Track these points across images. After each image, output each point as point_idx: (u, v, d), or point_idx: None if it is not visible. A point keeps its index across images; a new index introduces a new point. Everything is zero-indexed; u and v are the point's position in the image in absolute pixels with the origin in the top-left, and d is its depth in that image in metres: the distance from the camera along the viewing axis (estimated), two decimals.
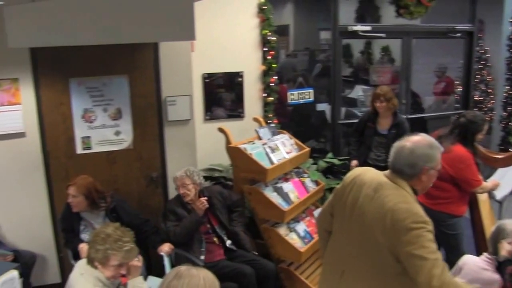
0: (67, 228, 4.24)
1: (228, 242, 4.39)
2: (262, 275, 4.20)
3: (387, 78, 8.04)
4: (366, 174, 2.57)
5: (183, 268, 2.17)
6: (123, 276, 3.10)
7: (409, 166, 2.42)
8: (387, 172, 2.53)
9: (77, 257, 4.23)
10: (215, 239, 4.38)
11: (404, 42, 6.72)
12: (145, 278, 4.02)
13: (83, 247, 4.01)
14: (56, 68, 4.48)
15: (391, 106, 5.16)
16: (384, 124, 5.26)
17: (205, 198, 4.27)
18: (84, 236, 4.16)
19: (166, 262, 4.14)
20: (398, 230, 2.31)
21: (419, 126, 7.45)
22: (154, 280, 3.61)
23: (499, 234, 3.29)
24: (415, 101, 7.78)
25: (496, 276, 3.18)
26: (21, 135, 4.46)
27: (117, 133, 4.73)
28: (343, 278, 2.56)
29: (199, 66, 5.17)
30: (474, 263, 3.31)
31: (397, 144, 2.50)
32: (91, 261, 2.85)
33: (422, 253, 2.27)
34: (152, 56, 4.69)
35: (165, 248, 4.20)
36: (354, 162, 5.36)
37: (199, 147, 5.06)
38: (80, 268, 2.92)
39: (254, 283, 4.10)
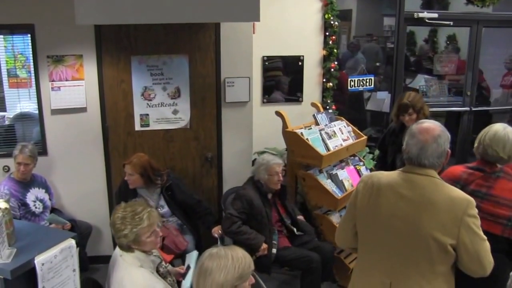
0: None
1: (295, 230, 4.36)
2: (323, 258, 4.16)
3: (452, 68, 7.76)
4: (381, 179, 2.48)
5: (215, 249, 2.24)
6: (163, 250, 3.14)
7: (438, 157, 2.36)
8: (404, 169, 2.45)
9: None
10: (281, 228, 4.36)
11: (473, 31, 6.46)
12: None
13: None
14: (119, 46, 4.56)
15: (422, 117, 4.11)
16: None
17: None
18: None
19: (219, 243, 4.16)
20: (462, 219, 2.26)
21: (484, 120, 7.18)
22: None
23: None
24: (481, 94, 7.49)
25: None
26: (83, 110, 4.58)
27: (175, 112, 4.78)
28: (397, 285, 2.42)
29: (259, 48, 5.14)
30: None
31: (415, 140, 2.37)
32: (126, 248, 2.88)
33: (482, 235, 2.29)
34: (213, 37, 4.70)
35: (219, 231, 4.23)
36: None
37: (255, 129, 5.05)
38: (119, 250, 2.96)
39: (320, 269, 4.08)
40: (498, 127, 3.06)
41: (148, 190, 4.26)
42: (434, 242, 2.28)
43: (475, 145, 3.14)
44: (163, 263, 3.10)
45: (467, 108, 6.52)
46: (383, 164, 4.60)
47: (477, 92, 6.86)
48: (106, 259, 4.83)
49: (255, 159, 5.08)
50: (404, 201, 2.36)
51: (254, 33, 4.88)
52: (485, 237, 2.30)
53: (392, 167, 4.16)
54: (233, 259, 2.19)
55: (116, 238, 2.89)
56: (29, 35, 4.38)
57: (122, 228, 2.83)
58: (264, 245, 4.01)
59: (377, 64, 7.55)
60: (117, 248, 2.98)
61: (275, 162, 4.19)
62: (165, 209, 4.28)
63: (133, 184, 4.18)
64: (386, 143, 4.59)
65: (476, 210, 2.29)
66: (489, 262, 2.31)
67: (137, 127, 4.73)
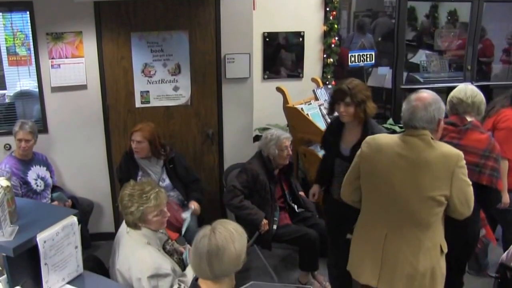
0: (123, 178, 4.28)
1: (296, 207, 4.39)
2: (321, 235, 4.17)
3: (453, 44, 7.72)
4: (381, 140, 2.77)
5: (205, 229, 2.21)
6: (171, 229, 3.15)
7: (428, 122, 2.62)
8: (402, 133, 2.71)
9: None
10: (284, 205, 4.38)
11: (474, 6, 6.40)
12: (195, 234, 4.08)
13: None
14: (119, 23, 4.53)
15: (360, 113, 3.33)
16: (350, 140, 3.42)
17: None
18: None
19: (187, 216, 4.05)
20: (454, 171, 2.57)
21: (484, 95, 7.14)
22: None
23: None
24: (481, 68, 7.46)
25: None
26: (83, 87, 4.57)
27: (176, 88, 4.77)
28: (387, 240, 2.71)
29: (260, 24, 5.11)
30: None
31: (408, 106, 2.66)
32: (133, 226, 2.89)
33: (468, 181, 2.63)
34: (213, 13, 4.66)
35: (192, 206, 4.17)
36: (313, 189, 3.79)
37: (256, 106, 5.04)
38: (126, 227, 2.97)
39: (318, 245, 4.11)
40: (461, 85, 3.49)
41: (150, 163, 4.25)
42: (429, 198, 2.58)
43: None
44: (170, 240, 3.12)
45: (467, 83, 6.48)
46: (324, 167, 3.74)
47: (477, 67, 6.83)
48: (108, 236, 4.91)
49: (256, 135, 5.09)
50: (403, 160, 2.63)
51: (254, 9, 4.84)
52: (470, 182, 2.63)
53: (331, 173, 3.57)
54: (232, 230, 2.18)
55: (124, 215, 2.91)
56: (27, 12, 4.34)
57: (129, 205, 2.84)
58: (265, 221, 4.03)
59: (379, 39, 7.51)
60: (123, 225, 3.00)
61: (285, 136, 4.17)
62: (167, 182, 4.28)
63: (141, 152, 4.14)
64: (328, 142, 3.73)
65: (464, 161, 2.60)
66: (473, 203, 2.65)
67: (138, 104, 4.72)
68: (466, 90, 3.37)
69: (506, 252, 3.35)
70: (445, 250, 2.73)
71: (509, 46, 8.14)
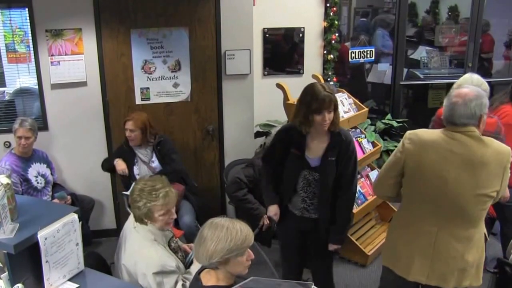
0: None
1: None
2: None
3: (454, 40, 7.70)
4: (424, 136, 2.71)
5: (217, 219, 2.30)
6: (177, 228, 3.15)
7: (468, 118, 2.59)
8: (442, 130, 2.69)
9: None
10: None
11: (475, 1, 6.39)
12: (195, 230, 4.09)
13: (118, 161, 4.33)
14: (118, 19, 4.52)
15: (337, 119, 3.12)
16: (317, 149, 3.18)
17: None
18: (135, 169, 4.37)
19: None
20: (506, 167, 2.62)
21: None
22: None
23: None
24: (482, 65, 7.45)
25: None
26: (83, 84, 4.57)
27: (176, 85, 4.76)
28: (438, 236, 2.70)
29: (260, 20, 5.10)
30: None
31: (449, 102, 2.64)
32: (139, 220, 2.89)
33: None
34: (213, 9, 4.65)
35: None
36: (273, 210, 3.39)
37: (257, 102, 5.04)
38: (133, 221, 2.97)
39: None
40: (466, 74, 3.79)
41: (141, 148, 4.38)
42: (484, 195, 2.61)
43: None
44: (175, 238, 3.12)
45: (472, 73, 6.45)
46: (274, 183, 3.39)
47: (479, 64, 6.82)
48: (109, 233, 4.92)
49: (258, 131, 5.09)
50: (456, 157, 2.60)
51: (254, 5, 4.83)
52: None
53: (292, 189, 3.29)
54: (227, 232, 2.23)
55: (131, 208, 2.92)
56: (26, 9, 4.33)
57: (138, 199, 2.84)
58: (265, 217, 4.02)
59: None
60: (130, 220, 3.00)
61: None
62: (156, 163, 4.37)
63: (134, 140, 4.28)
64: (281, 151, 3.30)
65: None
66: None
67: (138, 101, 4.72)
68: (473, 78, 3.59)
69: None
70: (488, 238, 2.85)
71: (510, 42, 8.14)
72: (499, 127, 3.45)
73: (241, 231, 2.27)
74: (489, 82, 7.25)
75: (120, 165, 4.32)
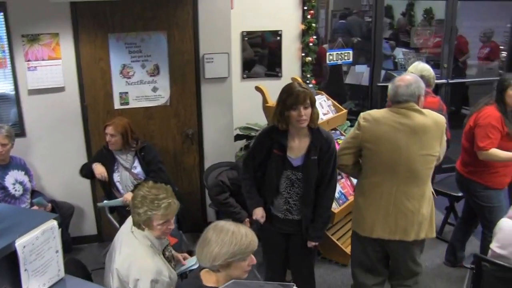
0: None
1: None
2: None
3: (429, 41, 7.80)
4: (376, 114, 3.23)
5: (222, 222, 2.35)
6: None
7: (410, 96, 3.15)
8: (388, 109, 3.23)
9: (113, 210, 4.36)
10: None
11: (449, 4, 6.49)
12: (177, 235, 4.08)
13: (97, 165, 4.29)
14: (96, 24, 4.49)
15: (315, 116, 3.21)
16: (299, 149, 3.25)
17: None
18: (116, 176, 4.32)
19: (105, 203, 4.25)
20: (443, 131, 3.20)
21: (461, 91, 7.26)
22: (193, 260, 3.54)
23: None
24: (457, 66, 7.56)
25: None
26: (60, 89, 4.53)
27: (155, 89, 4.75)
28: (396, 196, 3.17)
29: (238, 24, 5.11)
30: (509, 226, 3.21)
31: (392, 85, 3.21)
32: (137, 225, 2.87)
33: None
34: (191, 13, 4.65)
35: (128, 197, 4.07)
36: (259, 212, 3.40)
37: (236, 105, 5.05)
38: (130, 226, 2.95)
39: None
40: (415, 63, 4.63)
41: (122, 154, 4.32)
42: (429, 155, 3.14)
43: None
44: (169, 246, 3.11)
45: (444, 81, 6.56)
46: (255, 187, 3.44)
47: (454, 64, 6.92)
48: (89, 239, 4.89)
49: (238, 135, 5.10)
50: (404, 127, 3.11)
51: (232, 8, 4.84)
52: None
53: (274, 191, 3.35)
54: (232, 236, 2.27)
55: (132, 213, 2.90)
56: (2, 14, 4.28)
57: (139, 206, 2.82)
58: (247, 220, 4.03)
59: (356, 39, 7.58)
60: (128, 224, 2.98)
61: None
62: (138, 169, 4.33)
63: (114, 145, 4.24)
64: (263, 153, 3.34)
65: None
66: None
67: (117, 106, 4.70)
68: (418, 66, 4.45)
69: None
70: (435, 195, 3.36)
71: (483, 44, 8.30)
72: (441, 105, 4.32)
73: (246, 236, 2.33)
74: (463, 83, 7.44)
75: (98, 169, 4.28)
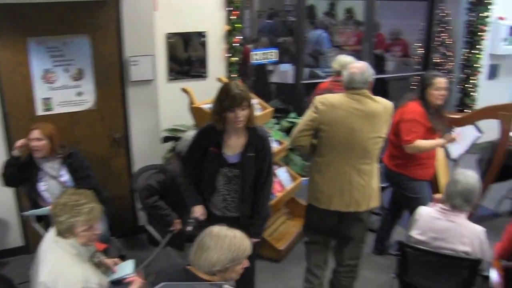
0: (16, 182, 4.21)
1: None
2: None
3: (350, 40, 8.08)
4: (333, 99, 3.53)
5: (217, 228, 2.43)
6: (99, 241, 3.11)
7: (363, 83, 3.48)
8: (344, 94, 3.53)
9: (40, 219, 4.24)
10: None
11: (368, 3, 6.74)
12: (108, 240, 4.04)
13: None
14: (14, 27, 4.35)
15: (252, 116, 3.30)
16: (236, 146, 3.34)
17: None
18: (41, 185, 4.13)
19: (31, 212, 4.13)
20: (390, 115, 3.59)
21: (381, 87, 7.56)
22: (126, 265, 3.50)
23: None
24: (378, 63, 7.88)
25: (449, 224, 3.32)
26: None
27: (79, 93, 4.67)
28: (350, 173, 3.51)
29: (163, 25, 5.09)
30: (427, 213, 3.46)
31: (348, 72, 3.52)
32: (60, 234, 2.79)
33: None
34: (114, 15, 4.60)
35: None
36: (199, 210, 3.46)
37: (163, 107, 5.05)
38: (54, 235, 2.86)
39: None
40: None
41: (48, 161, 4.12)
42: (378, 137, 3.50)
43: None
44: (97, 252, 3.06)
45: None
46: (194, 186, 3.50)
47: (375, 61, 7.20)
48: (16, 252, 4.73)
49: (166, 137, 5.09)
50: (358, 112, 3.44)
51: (156, 10, 4.83)
52: None
53: (211, 189, 3.42)
54: (230, 242, 2.35)
55: (54, 222, 2.82)
56: None
57: (60, 214, 2.75)
58: (177, 221, 4.05)
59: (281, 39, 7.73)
60: (50, 234, 2.88)
61: None
62: (66, 177, 4.17)
63: (42, 150, 4.01)
64: (200, 152, 3.41)
65: None
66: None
67: (40, 112, 4.57)
68: (347, 57, 4.88)
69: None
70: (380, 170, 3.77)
71: (392, 42, 8.72)
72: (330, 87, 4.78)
73: (242, 241, 2.41)
74: (383, 78, 7.75)
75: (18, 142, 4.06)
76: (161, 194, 4.15)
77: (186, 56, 5.38)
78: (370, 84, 3.55)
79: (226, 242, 2.34)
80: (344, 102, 3.48)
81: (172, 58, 5.30)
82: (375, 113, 3.47)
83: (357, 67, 3.53)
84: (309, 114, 3.57)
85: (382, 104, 3.52)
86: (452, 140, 4.25)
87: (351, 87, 3.50)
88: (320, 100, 3.53)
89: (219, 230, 2.40)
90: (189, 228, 4.02)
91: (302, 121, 3.61)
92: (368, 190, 3.59)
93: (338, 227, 3.74)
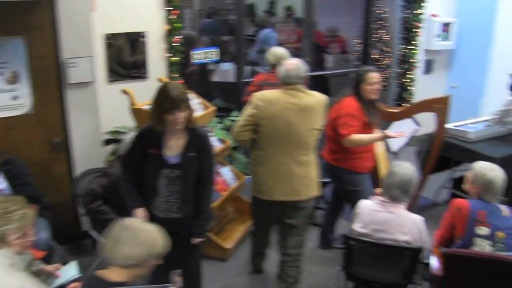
0: None
1: None
2: None
3: (291, 37, 8.18)
4: (270, 95, 3.74)
5: (131, 221, 2.47)
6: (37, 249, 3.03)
7: (297, 78, 3.69)
8: (280, 90, 3.74)
9: None
10: None
11: (307, 1, 6.83)
12: (50, 247, 3.94)
13: None
14: None
15: (192, 116, 3.30)
16: (176, 147, 3.31)
17: None
18: None
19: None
20: (324, 109, 3.81)
21: (322, 82, 7.71)
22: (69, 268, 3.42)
23: None
24: (319, 59, 8.01)
25: (389, 216, 3.43)
26: None
27: (15, 97, 4.52)
28: (290, 165, 3.74)
29: (102, 26, 5.00)
30: (367, 206, 3.57)
31: (283, 68, 3.73)
32: None
33: None
34: (49, 16, 4.47)
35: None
36: (140, 212, 3.38)
37: (103, 109, 4.96)
38: None
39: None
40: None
41: None
42: (314, 129, 3.75)
43: None
44: (35, 261, 2.96)
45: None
46: (134, 189, 3.43)
47: (317, 58, 7.32)
48: None
49: (108, 139, 5.01)
50: (294, 106, 3.65)
51: (94, 10, 4.74)
52: None
53: (152, 191, 3.37)
54: (146, 236, 2.35)
55: None
56: None
57: None
58: None
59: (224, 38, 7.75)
60: None
61: None
62: (3, 185, 4.01)
63: None
64: (139, 155, 3.36)
65: None
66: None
67: None
68: (275, 50, 5.19)
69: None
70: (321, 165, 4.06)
71: (330, 39, 8.91)
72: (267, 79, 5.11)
73: (157, 235, 2.42)
74: (324, 75, 7.90)
75: None
76: (105, 198, 4.09)
77: (126, 57, 5.30)
78: (304, 80, 3.76)
79: (142, 236, 2.34)
80: (280, 98, 3.68)
81: (111, 59, 5.22)
82: (310, 106, 3.69)
83: (292, 63, 3.74)
84: (248, 110, 3.75)
85: (316, 98, 3.76)
86: (387, 137, 4.30)
87: (286, 82, 3.71)
88: (259, 96, 3.73)
89: (133, 222, 2.41)
90: None
91: (242, 117, 3.78)
92: (307, 179, 3.82)
93: (281, 217, 3.96)
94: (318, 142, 3.89)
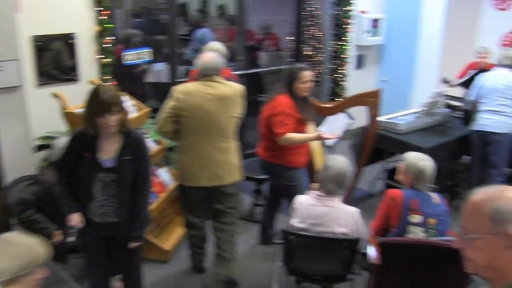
0: None
1: None
2: None
3: (223, 35, 8.18)
4: (189, 88, 3.91)
5: (8, 234, 2.26)
6: None
7: (213, 70, 3.89)
8: (198, 82, 3.91)
9: None
10: None
11: (239, 0, 6.85)
12: None
13: None
14: None
15: (125, 119, 3.21)
16: (110, 150, 3.22)
17: None
18: None
19: None
20: (241, 97, 4.00)
21: (256, 80, 7.76)
22: None
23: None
24: (252, 57, 8.05)
25: (325, 209, 3.51)
26: None
27: None
28: (211, 152, 3.92)
29: (29, 28, 4.84)
30: (304, 201, 3.63)
31: (200, 61, 3.93)
32: None
33: None
34: None
35: None
36: (75, 217, 3.28)
37: (33, 114, 4.82)
38: None
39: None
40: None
41: None
42: (233, 117, 3.94)
43: None
44: None
45: (240, 72, 6.92)
46: (69, 194, 3.33)
47: (250, 56, 7.35)
48: None
49: (40, 145, 4.86)
50: (212, 96, 3.83)
51: (19, 11, 4.58)
52: None
53: (88, 195, 3.27)
54: (17, 249, 2.15)
55: None
56: None
57: None
58: (56, 232, 3.89)
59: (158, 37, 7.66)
60: None
61: None
62: None
63: None
64: (73, 159, 3.24)
65: None
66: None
67: None
68: (214, 44, 5.10)
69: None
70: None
71: (263, 36, 8.99)
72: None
73: (32, 248, 2.20)
74: (257, 73, 7.95)
75: None
76: (38, 207, 3.96)
77: (54, 59, 5.15)
78: (221, 71, 3.96)
79: (12, 249, 2.18)
80: (199, 89, 3.86)
81: (40, 62, 5.06)
82: (227, 96, 3.88)
83: (209, 56, 3.95)
84: (170, 102, 3.90)
85: (233, 87, 3.96)
86: (321, 138, 4.34)
87: (204, 74, 3.90)
88: (178, 89, 3.91)
89: (7, 237, 2.25)
90: (71, 238, 3.90)
91: (164, 110, 3.93)
92: (228, 165, 4.02)
93: (209, 204, 4.16)
94: (237, 129, 4.07)
